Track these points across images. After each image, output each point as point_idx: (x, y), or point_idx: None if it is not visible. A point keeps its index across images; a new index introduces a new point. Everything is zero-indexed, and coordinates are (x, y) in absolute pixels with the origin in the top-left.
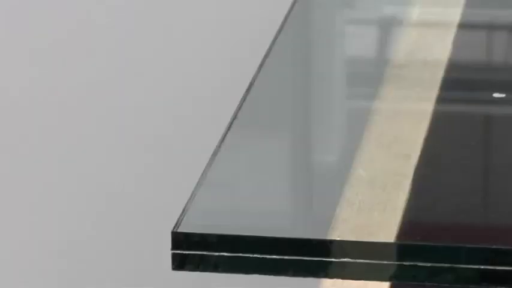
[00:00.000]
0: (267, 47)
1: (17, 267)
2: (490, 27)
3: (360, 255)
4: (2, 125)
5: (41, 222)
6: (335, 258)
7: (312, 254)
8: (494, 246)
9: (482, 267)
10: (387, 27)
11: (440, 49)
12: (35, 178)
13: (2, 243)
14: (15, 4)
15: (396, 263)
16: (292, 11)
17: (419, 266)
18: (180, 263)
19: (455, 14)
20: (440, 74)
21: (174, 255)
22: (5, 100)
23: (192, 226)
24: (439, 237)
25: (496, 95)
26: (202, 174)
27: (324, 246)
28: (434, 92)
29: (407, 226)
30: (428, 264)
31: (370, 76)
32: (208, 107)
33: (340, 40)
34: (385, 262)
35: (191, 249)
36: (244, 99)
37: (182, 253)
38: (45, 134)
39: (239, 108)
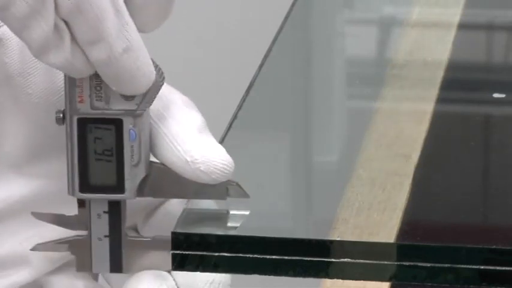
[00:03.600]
0: (267, 47)
1: None
2: (490, 27)
3: (360, 255)
4: None
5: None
6: (335, 258)
7: (312, 254)
8: (494, 246)
9: (482, 267)
10: (387, 27)
11: (440, 49)
12: None
13: None
14: None
15: (396, 263)
16: (292, 11)
17: (419, 266)
18: (180, 263)
19: (455, 14)
20: (440, 74)
21: (174, 255)
22: None
23: (192, 226)
24: (439, 237)
25: (496, 95)
26: None
27: (324, 246)
28: (434, 92)
29: (407, 226)
30: (428, 264)
31: (370, 76)
32: (208, 107)
33: (340, 40)
34: (385, 262)
35: (191, 250)
36: (244, 99)
37: (182, 253)
38: None
39: (239, 108)
